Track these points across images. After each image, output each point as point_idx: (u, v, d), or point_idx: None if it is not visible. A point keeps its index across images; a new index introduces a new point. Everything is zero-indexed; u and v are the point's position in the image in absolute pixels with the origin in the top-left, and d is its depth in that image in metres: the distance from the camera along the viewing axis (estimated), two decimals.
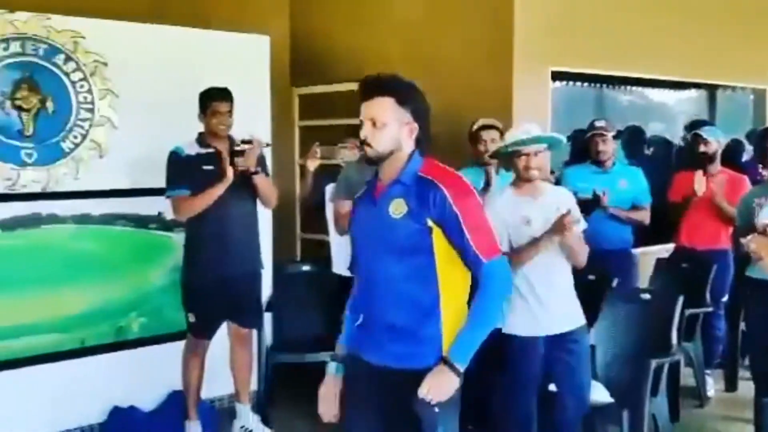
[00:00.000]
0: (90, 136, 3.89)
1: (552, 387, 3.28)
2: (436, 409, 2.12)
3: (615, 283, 4.02)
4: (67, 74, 3.81)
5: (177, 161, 3.67)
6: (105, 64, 3.91)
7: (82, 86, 3.86)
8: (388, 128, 2.20)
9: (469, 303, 2.25)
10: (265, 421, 4.12)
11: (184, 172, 3.65)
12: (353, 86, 5.30)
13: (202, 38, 4.27)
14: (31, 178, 3.74)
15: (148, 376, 4.11)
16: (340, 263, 4.26)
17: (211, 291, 3.72)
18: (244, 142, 3.68)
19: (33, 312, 3.77)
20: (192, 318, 3.80)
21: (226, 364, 4.00)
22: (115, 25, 3.96)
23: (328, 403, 2.35)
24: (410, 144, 2.24)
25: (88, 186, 3.90)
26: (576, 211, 3.19)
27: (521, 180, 3.20)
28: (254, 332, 4.14)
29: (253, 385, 4.23)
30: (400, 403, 2.17)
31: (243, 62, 4.40)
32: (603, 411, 3.35)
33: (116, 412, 4.01)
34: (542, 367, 3.19)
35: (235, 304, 3.85)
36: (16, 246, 3.72)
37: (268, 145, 3.91)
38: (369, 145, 2.21)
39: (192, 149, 3.72)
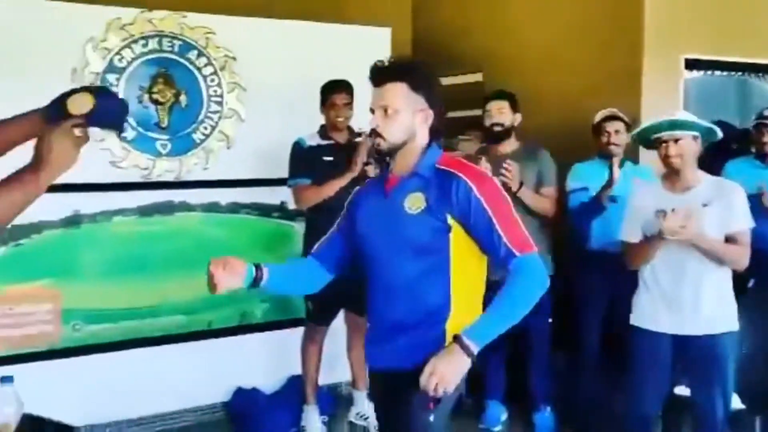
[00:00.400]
0: (219, 128, 4.07)
1: (681, 390, 3.15)
2: (431, 418, 1.99)
3: (751, 283, 3.79)
4: (199, 69, 4.00)
5: (299, 152, 3.78)
6: (234, 58, 4.07)
7: (212, 80, 4.04)
8: (401, 116, 2.05)
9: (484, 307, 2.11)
10: None
11: (306, 162, 3.76)
12: (476, 77, 5.30)
13: (326, 32, 4.36)
14: (165, 168, 3.96)
15: (270, 359, 4.26)
16: None
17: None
18: (356, 134, 3.75)
19: (165, 294, 3.99)
20: (310, 305, 3.90)
21: (345, 352, 4.11)
22: (244, 21, 4.11)
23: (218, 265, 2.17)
24: (425, 133, 2.10)
25: (216, 176, 4.08)
26: (736, 209, 2.90)
27: (666, 171, 3.00)
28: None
29: None
30: (394, 406, 2.06)
31: (365, 55, 4.43)
32: (733, 417, 3.18)
33: (239, 393, 4.18)
34: (670, 367, 3.01)
35: (351, 292, 3.90)
36: (152, 232, 3.95)
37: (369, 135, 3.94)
38: (380, 135, 2.08)
39: (313, 140, 3.82)
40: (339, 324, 4.03)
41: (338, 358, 4.15)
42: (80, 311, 3.80)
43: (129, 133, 3.84)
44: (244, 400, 4.15)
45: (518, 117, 3.97)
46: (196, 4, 4.01)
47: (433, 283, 2.05)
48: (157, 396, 3.98)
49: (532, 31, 4.98)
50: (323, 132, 3.84)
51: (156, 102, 3.90)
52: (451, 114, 5.35)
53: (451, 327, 2.06)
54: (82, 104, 1.73)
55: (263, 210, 4.23)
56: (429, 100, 2.09)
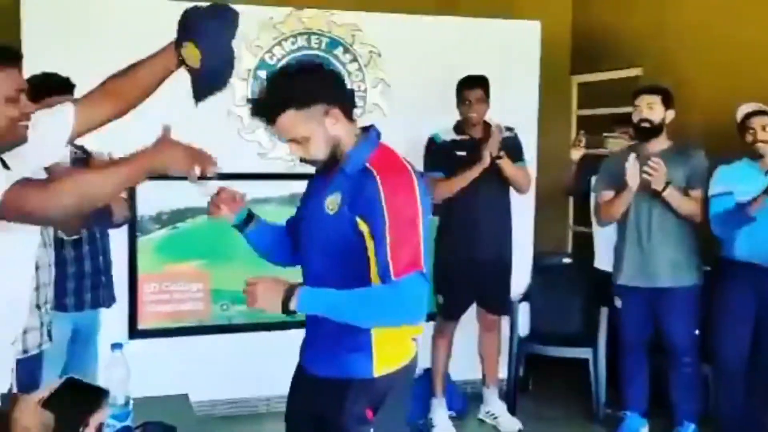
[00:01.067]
0: (360, 123, 4.18)
1: None
2: (371, 430, 1.87)
3: None
4: (344, 65, 4.14)
5: (433, 147, 3.85)
6: (379, 54, 4.18)
7: (357, 76, 4.16)
8: (312, 137, 1.90)
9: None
10: (512, 410, 4.12)
11: (439, 157, 3.80)
12: (634, 72, 5.05)
13: (472, 26, 4.36)
14: None
15: None
16: (604, 258, 4.10)
17: (459, 274, 3.82)
18: (491, 129, 3.73)
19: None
20: (440, 299, 3.93)
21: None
22: (390, 17, 4.20)
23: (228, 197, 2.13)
24: (346, 126, 1.95)
25: None
26: None
27: None
28: (505, 320, 4.17)
29: (503, 373, 4.25)
30: (328, 416, 1.93)
31: (513, 49, 4.42)
32: None
33: None
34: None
35: (482, 289, 3.91)
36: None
37: (509, 129, 3.88)
38: (308, 161, 1.95)
39: (449, 136, 3.85)
40: (472, 319, 4.03)
41: (470, 355, 4.14)
42: (227, 292, 4.06)
43: None
44: None
45: (671, 114, 3.74)
46: (348, 1, 4.15)
47: (354, 287, 1.86)
48: (269, 380, 4.14)
49: (696, 23, 4.67)
50: (459, 127, 3.86)
51: None
52: (604, 110, 5.22)
53: (380, 332, 1.92)
54: (191, 57, 1.87)
55: None
56: (326, 100, 1.91)
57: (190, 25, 1.91)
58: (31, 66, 2.88)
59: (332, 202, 1.92)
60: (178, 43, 1.91)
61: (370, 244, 1.86)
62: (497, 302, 4.00)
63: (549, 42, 4.71)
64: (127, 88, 1.96)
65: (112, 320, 3.68)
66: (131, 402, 1.98)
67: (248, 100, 1.92)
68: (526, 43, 4.48)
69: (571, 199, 5.72)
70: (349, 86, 2.05)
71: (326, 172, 1.99)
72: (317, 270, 1.96)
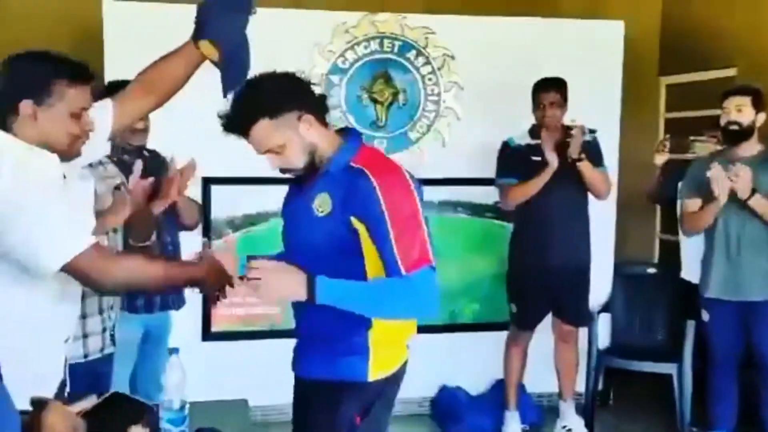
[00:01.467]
0: (434, 127, 4.13)
1: None
2: None
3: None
4: (417, 68, 4.08)
5: (507, 151, 3.74)
6: (452, 57, 4.10)
7: (430, 79, 4.10)
8: (288, 146, 1.88)
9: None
10: (589, 425, 3.96)
11: (513, 162, 3.69)
12: (728, 73, 4.80)
13: (550, 27, 4.22)
14: None
15: (477, 360, 4.23)
16: (691, 269, 3.89)
17: (533, 282, 3.70)
18: (569, 129, 3.58)
19: None
20: (514, 308, 3.81)
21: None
22: (464, 20, 4.12)
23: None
24: (321, 130, 1.92)
25: (430, 174, 4.12)
26: None
27: None
28: (583, 331, 4.01)
29: (581, 386, 4.09)
30: (315, 418, 1.91)
31: (594, 50, 4.26)
32: None
33: (444, 390, 4.21)
34: None
35: (558, 298, 3.77)
36: None
37: (592, 132, 3.72)
38: (288, 171, 1.93)
39: (523, 140, 3.74)
40: (548, 330, 3.90)
41: (547, 366, 4.00)
42: None
43: None
44: (448, 399, 4.16)
45: (762, 117, 3.51)
46: (418, 3, 4.10)
47: None
48: None
49: None
50: (534, 131, 3.73)
51: (375, 101, 4.05)
52: (694, 113, 4.97)
53: (376, 335, 1.90)
54: (210, 54, 1.92)
55: (476, 209, 4.21)
56: (297, 106, 1.89)
57: (203, 22, 1.93)
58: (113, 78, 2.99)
59: (322, 204, 1.91)
60: (195, 41, 1.94)
61: (366, 243, 1.86)
62: (574, 312, 3.85)
63: (635, 42, 4.52)
64: (159, 82, 2.00)
65: (185, 322, 3.74)
66: (187, 406, 1.98)
67: (218, 116, 1.92)
68: (609, 43, 4.30)
69: (658, 206, 5.49)
70: (319, 91, 2.02)
71: (306, 178, 1.98)
72: (313, 272, 1.90)
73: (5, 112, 1.76)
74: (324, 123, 1.96)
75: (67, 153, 1.82)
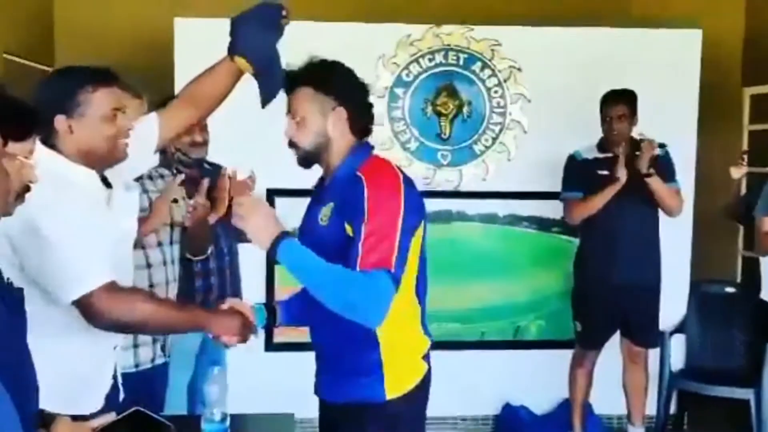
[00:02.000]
0: (500, 140, 4.06)
1: None
2: None
3: None
4: (482, 81, 4.03)
5: (572, 165, 3.65)
6: (519, 69, 4.03)
7: (496, 92, 4.04)
8: (309, 121, 1.92)
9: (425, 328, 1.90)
10: None
11: (579, 175, 3.60)
12: None
13: (621, 37, 4.09)
14: (445, 178, 4.06)
15: (542, 378, 4.12)
16: None
17: (599, 301, 3.58)
18: (640, 142, 3.46)
19: (440, 300, 4.06)
20: (579, 326, 3.70)
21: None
22: (531, 31, 4.04)
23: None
24: (345, 133, 1.94)
25: (495, 187, 4.08)
26: None
27: None
28: (655, 352, 3.86)
29: (652, 410, 3.93)
30: None
31: (668, 61, 4.11)
32: None
33: (508, 409, 4.12)
34: None
35: (626, 317, 3.64)
36: (430, 239, 4.01)
37: (662, 146, 3.58)
38: (294, 144, 1.93)
39: (590, 153, 3.64)
40: (616, 349, 3.77)
41: (615, 387, 3.86)
42: None
43: (411, 144, 4.02)
44: (512, 418, 4.08)
45: None
46: (483, 15, 4.05)
47: None
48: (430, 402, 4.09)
49: None
50: (602, 145, 3.63)
51: (439, 114, 4.02)
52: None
53: (387, 353, 1.87)
54: (245, 68, 1.95)
55: (542, 224, 4.12)
56: (340, 98, 1.93)
57: (235, 38, 1.95)
58: None
59: (325, 214, 1.94)
60: (230, 56, 1.96)
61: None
62: (643, 333, 3.70)
63: (715, 51, 4.34)
64: (201, 95, 2.04)
65: None
66: (228, 418, 2.00)
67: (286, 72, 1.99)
68: (685, 53, 4.14)
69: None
70: (371, 103, 2.03)
71: (321, 186, 2.02)
72: None
73: (45, 132, 1.81)
74: (355, 130, 1.98)
75: (111, 156, 1.88)
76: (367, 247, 1.79)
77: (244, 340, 2.00)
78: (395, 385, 1.94)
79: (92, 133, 1.83)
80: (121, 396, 2.04)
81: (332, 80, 1.95)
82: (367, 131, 2.01)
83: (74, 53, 4.29)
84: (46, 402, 1.73)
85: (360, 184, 1.85)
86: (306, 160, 1.98)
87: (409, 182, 1.96)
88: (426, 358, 2.06)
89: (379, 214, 1.81)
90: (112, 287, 1.76)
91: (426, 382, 2.05)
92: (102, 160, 1.87)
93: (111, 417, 1.35)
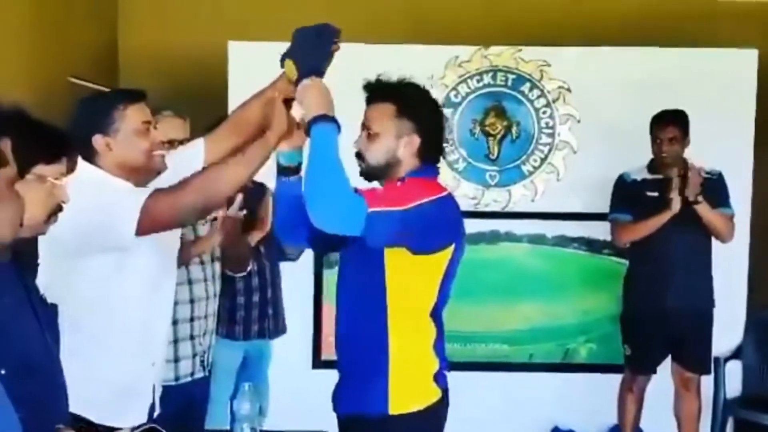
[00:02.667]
0: (549, 160, 4.04)
1: None
2: None
3: None
4: (531, 101, 4.02)
5: (621, 186, 3.61)
6: (569, 90, 4.01)
7: (544, 112, 4.03)
8: (382, 139, 1.95)
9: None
10: None
11: (627, 197, 3.56)
12: None
13: (674, 57, 4.03)
14: (493, 198, 4.06)
15: (591, 402, 4.05)
16: None
17: (649, 325, 3.52)
18: (684, 168, 3.40)
19: (488, 321, 4.07)
20: (628, 350, 3.64)
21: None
22: (580, 51, 4.02)
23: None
24: (412, 160, 1.96)
25: (543, 208, 4.05)
26: None
27: None
28: (709, 379, 3.76)
29: None
30: None
31: (722, 81, 4.02)
32: None
33: None
34: None
35: (677, 342, 3.57)
36: (478, 259, 4.06)
37: (710, 174, 3.50)
38: (361, 156, 1.95)
39: (640, 175, 3.59)
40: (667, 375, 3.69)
41: (668, 412, 3.77)
42: None
43: (459, 164, 4.04)
44: None
45: None
46: (532, 36, 4.05)
47: (365, 305, 1.94)
48: (473, 422, 4.06)
49: None
50: (652, 166, 3.57)
51: (487, 134, 4.03)
52: None
53: (396, 368, 1.90)
54: (290, 72, 1.99)
55: (592, 245, 4.07)
56: (417, 126, 1.95)
57: (292, 44, 2.01)
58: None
59: None
60: (282, 61, 2.02)
61: (391, 259, 1.90)
62: (695, 358, 3.61)
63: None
64: (246, 120, 2.10)
65: (295, 350, 3.85)
66: None
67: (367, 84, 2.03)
68: (740, 73, 4.05)
69: None
70: (446, 136, 2.11)
71: None
72: (341, 295, 2.05)
73: (85, 152, 1.91)
74: (424, 158, 2.00)
75: (148, 168, 1.98)
76: (372, 192, 1.88)
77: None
78: (400, 402, 1.95)
79: (128, 146, 1.94)
80: (157, 411, 2.10)
81: (418, 106, 1.98)
82: (435, 160, 2.05)
83: (137, 76, 4.48)
84: (89, 412, 1.81)
85: None
86: (369, 174, 2.01)
87: (450, 204, 2.01)
88: (439, 381, 2.05)
89: (399, 188, 1.91)
90: (158, 190, 1.86)
91: (438, 410, 2.04)
92: (140, 172, 1.97)
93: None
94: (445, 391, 2.04)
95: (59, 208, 1.52)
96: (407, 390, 1.96)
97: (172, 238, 2.11)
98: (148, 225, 1.83)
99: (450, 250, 1.98)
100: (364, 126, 2.00)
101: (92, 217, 1.78)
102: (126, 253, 1.89)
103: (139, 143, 1.95)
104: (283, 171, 2.03)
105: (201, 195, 1.87)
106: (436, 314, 2.03)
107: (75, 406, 1.61)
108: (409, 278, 1.94)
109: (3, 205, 0.97)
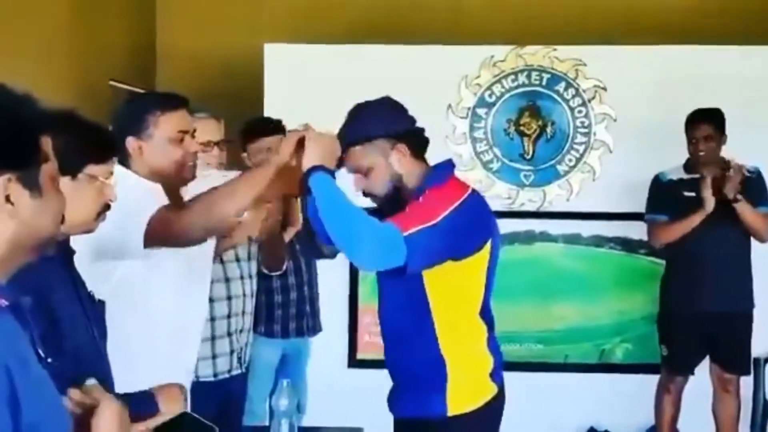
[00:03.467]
0: (584, 160, 4.02)
1: None
2: None
3: None
4: (566, 100, 4.01)
5: (658, 186, 3.58)
6: (604, 89, 3.98)
7: (580, 111, 4.01)
8: (376, 169, 1.93)
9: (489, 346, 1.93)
10: None
11: (664, 197, 3.53)
12: None
13: (712, 55, 3.97)
14: (528, 198, 4.05)
15: (628, 403, 4.01)
16: None
17: (685, 325, 3.49)
18: (728, 164, 3.35)
19: (523, 321, 4.05)
20: (665, 351, 3.60)
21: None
22: (616, 50, 4.00)
23: None
24: (412, 165, 1.97)
25: (579, 207, 4.03)
26: None
27: None
28: (746, 379, 3.71)
29: None
30: None
31: (759, 77, 3.96)
32: None
33: None
34: None
35: (715, 343, 3.53)
36: (513, 259, 4.05)
37: (750, 172, 3.45)
38: (370, 196, 1.96)
39: (677, 174, 3.56)
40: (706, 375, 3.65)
41: (707, 412, 3.72)
42: None
43: (494, 164, 4.04)
44: None
45: None
46: (567, 34, 4.03)
47: (410, 311, 1.95)
48: (508, 422, 4.05)
49: None
50: (688, 165, 3.54)
51: (522, 134, 4.02)
52: None
53: (453, 369, 1.90)
54: None
55: (629, 245, 4.03)
56: (390, 134, 1.96)
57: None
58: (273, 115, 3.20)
59: None
60: None
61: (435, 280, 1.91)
62: (733, 359, 3.57)
63: None
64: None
65: (331, 349, 3.88)
66: (296, 430, 2.07)
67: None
68: None
69: None
70: (416, 123, 2.05)
71: (389, 209, 1.99)
72: (385, 298, 2.07)
73: (119, 153, 1.93)
74: (419, 155, 2.01)
75: (178, 177, 1.99)
76: (398, 216, 1.86)
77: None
78: (458, 403, 1.97)
79: (159, 153, 1.95)
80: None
81: (376, 123, 1.97)
82: (425, 144, 2.04)
83: (174, 78, 4.56)
84: None
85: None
86: (385, 205, 2.00)
87: (477, 202, 2.00)
88: (495, 377, 2.06)
89: (423, 204, 1.89)
90: (165, 207, 1.86)
91: (495, 405, 2.05)
92: (170, 179, 1.98)
93: (160, 419, 1.43)
94: (501, 387, 2.06)
95: (107, 207, 1.56)
96: (464, 391, 1.98)
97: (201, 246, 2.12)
98: (154, 241, 1.83)
99: (487, 248, 1.99)
100: (355, 170, 1.99)
101: (107, 226, 1.79)
102: (149, 261, 1.89)
103: (171, 152, 1.96)
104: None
105: (205, 216, 1.86)
106: (484, 311, 2.04)
107: None
108: (451, 286, 1.96)
109: (46, 199, 1.01)
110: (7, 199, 0.99)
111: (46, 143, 1.04)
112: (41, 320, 1.26)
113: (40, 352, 1.07)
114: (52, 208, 1.06)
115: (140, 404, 1.45)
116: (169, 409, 1.54)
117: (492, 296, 2.14)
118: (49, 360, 1.12)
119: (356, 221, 1.81)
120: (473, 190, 2.03)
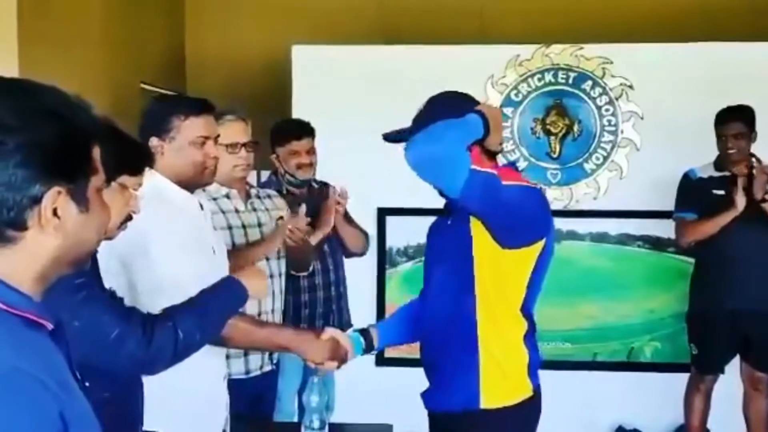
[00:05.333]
0: (611, 158, 4.01)
1: None
2: None
3: None
4: (593, 99, 4.00)
5: (687, 184, 3.56)
6: (631, 87, 3.97)
7: (607, 110, 4.00)
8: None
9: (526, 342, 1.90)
10: None
11: (693, 195, 3.51)
12: None
13: (739, 52, 3.95)
14: (555, 197, 4.04)
15: (657, 402, 4.00)
16: None
17: (715, 324, 3.47)
18: (749, 166, 3.33)
19: (550, 320, 4.03)
20: (694, 350, 3.59)
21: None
22: (642, 48, 3.99)
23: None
24: (481, 162, 1.91)
25: (606, 206, 4.02)
26: None
27: None
28: None
29: None
30: None
31: None
32: None
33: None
34: None
35: (745, 342, 3.50)
36: None
37: None
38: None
39: (706, 172, 3.54)
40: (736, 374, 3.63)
41: (738, 411, 3.70)
42: None
43: (521, 163, 4.03)
44: None
45: None
46: (594, 33, 4.03)
47: (455, 293, 1.95)
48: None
49: None
50: (718, 163, 3.52)
51: (548, 132, 4.02)
52: None
53: (486, 361, 1.90)
54: None
55: (656, 243, 4.02)
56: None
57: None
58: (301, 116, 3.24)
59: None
60: None
61: (479, 243, 1.92)
62: (765, 358, 3.54)
63: None
64: None
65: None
66: (326, 427, 2.11)
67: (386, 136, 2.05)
68: None
69: None
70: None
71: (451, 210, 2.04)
72: (430, 282, 2.09)
73: None
74: (489, 154, 1.98)
75: (197, 180, 2.03)
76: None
77: (335, 366, 2.07)
78: (492, 396, 1.96)
79: (180, 155, 1.98)
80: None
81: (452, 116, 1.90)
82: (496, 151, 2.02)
83: (203, 80, 4.63)
84: (171, 426, 1.81)
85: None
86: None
87: (541, 196, 2.11)
88: (532, 377, 2.05)
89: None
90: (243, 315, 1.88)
91: (530, 409, 2.04)
92: (188, 182, 2.02)
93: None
94: (537, 389, 2.04)
95: (130, 217, 1.60)
96: (499, 384, 1.97)
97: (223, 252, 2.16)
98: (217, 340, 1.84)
99: (540, 245, 1.98)
100: None
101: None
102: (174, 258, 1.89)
103: (191, 155, 1.99)
104: None
105: (249, 344, 2.01)
106: (526, 309, 2.03)
107: (156, 423, 1.66)
108: (498, 272, 1.94)
109: (93, 212, 0.96)
110: (54, 212, 0.93)
111: (97, 154, 0.99)
112: None
113: (77, 374, 1.03)
114: (97, 222, 1.00)
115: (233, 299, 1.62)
116: (255, 288, 1.74)
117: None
118: (87, 384, 1.10)
119: (453, 135, 1.82)
120: (540, 188, 2.09)
